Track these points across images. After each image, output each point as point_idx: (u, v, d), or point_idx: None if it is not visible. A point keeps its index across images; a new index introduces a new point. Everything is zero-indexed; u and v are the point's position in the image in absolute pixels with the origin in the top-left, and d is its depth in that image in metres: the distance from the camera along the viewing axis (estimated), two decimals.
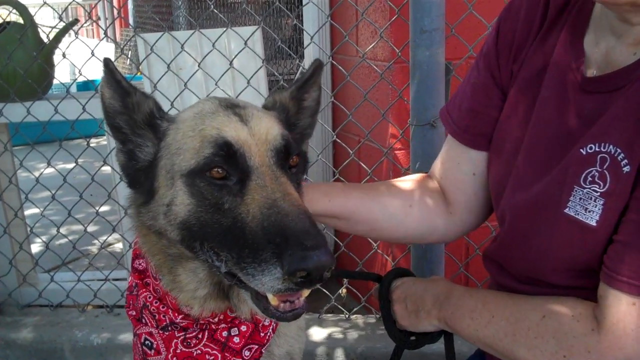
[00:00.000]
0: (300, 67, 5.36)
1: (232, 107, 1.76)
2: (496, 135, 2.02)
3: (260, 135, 1.68)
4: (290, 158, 1.73)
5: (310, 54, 4.95)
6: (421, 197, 2.20)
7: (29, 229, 4.73)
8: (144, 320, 1.84)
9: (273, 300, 1.55)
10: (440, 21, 3.12)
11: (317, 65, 1.98)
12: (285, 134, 1.75)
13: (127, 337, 4.12)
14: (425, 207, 2.19)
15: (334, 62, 4.24)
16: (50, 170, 4.46)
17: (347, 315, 4.24)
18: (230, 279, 1.61)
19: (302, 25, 4.87)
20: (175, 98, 4.19)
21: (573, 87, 1.77)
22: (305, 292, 1.55)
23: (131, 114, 1.74)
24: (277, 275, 1.42)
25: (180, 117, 1.79)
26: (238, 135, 1.65)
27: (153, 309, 1.80)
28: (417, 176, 2.32)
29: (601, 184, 1.62)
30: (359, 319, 4.24)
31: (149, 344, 1.83)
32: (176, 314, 1.78)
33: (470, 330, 1.88)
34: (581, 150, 1.67)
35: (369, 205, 2.17)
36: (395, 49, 3.76)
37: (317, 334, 4.07)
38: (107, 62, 1.69)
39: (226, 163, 1.60)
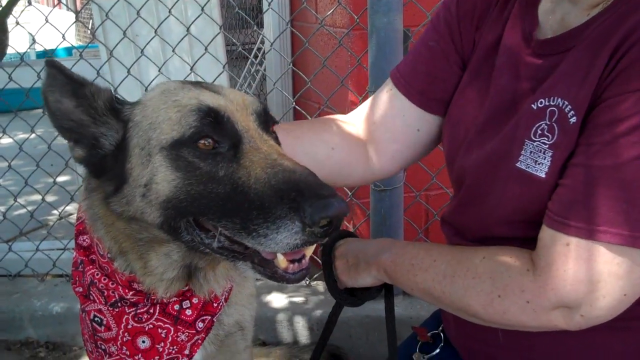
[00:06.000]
0: (260, 36, 5.31)
1: (198, 83, 1.74)
2: (455, 103, 2.02)
3: (237, 101, 1.67)
4: (270, 123, 1.72)
5: (269, 22, 4.92)
6: (344, 141, 2.18)
7: None
8: (91, 297, 1.81)
9: (282, 262, 1.54)
10: None
11: None
12: (261, 100, 1.74)
13: None
14: (346, 152, 2.16)
15: (293, 29, 4.21)
16: (8, 140, 4.39)
17: (307, 282, 4.27)
18: (226, 253, 1.59)
19: None
20: (132, 65, 4.14)
21: (526, 53, 1.79)
22: (309, 251, 1.55)
23: (91, 102, 1.65)
24: (296, 229, 1.41)
25: (144, 97, 1.73)
26: (218, 103, 1.62)
27: (101, 286, 1.77)
28: (341, 118, 2.28)
29: (550, 136, 1.64)
30: (319, 285, 4.27)
31: (99, 320, 1.81)
32: (126, 290, 1.75)
33: (410, 276, 1.87)
34: (532, 105, 1.70)
35: (291, 143, 2.09)
36: (353, 15, 3.74)
37: (278, 300, 4.10)
38: (51, 63, 1.60)
39: (214, 131, 1.57)
